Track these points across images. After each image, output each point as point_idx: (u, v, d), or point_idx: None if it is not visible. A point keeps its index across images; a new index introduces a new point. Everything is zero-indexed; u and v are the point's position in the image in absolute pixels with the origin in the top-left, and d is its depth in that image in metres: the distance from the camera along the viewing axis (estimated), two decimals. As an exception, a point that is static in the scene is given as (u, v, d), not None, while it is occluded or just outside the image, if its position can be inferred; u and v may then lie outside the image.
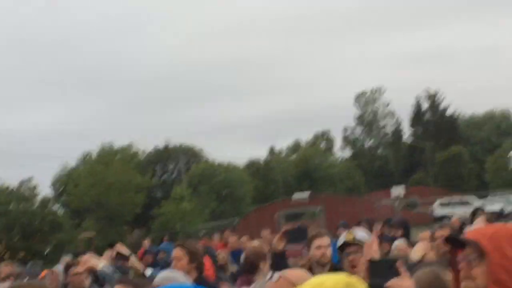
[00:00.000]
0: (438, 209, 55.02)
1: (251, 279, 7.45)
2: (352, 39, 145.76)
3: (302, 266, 7.64)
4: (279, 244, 6.29)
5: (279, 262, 6.09)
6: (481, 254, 3.10)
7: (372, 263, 4.10)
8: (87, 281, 8.37)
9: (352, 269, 5.99)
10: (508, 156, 16.23)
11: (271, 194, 74.31)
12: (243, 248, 13.63)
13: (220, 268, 10.70)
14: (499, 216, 41.82)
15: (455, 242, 3.34)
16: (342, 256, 6.28)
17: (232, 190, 68.94)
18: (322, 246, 6.59)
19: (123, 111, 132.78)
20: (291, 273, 4.06)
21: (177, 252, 7.09)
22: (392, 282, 3.99)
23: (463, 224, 17.81)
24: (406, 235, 12.84)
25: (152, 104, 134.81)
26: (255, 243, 8.57)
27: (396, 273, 4.04)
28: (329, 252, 6.60)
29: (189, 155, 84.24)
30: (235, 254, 12.88)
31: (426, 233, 10.61)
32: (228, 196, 68.71)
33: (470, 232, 3.42)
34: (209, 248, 12.47)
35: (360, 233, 6.37)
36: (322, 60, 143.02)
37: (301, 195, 59.79)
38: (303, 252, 6.28)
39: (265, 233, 16.95)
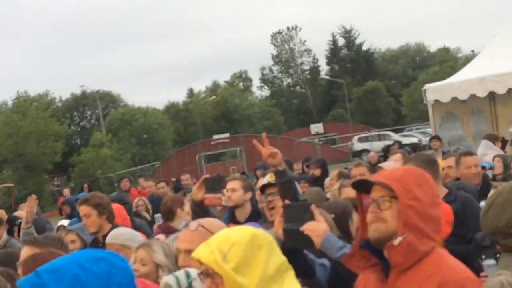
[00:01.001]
0: (357, 144, 55.81)
1: (169, 226, 7.42)
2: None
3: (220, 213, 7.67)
4: (198, 193, 6.24)
5: (199, 210, 6.05)
6: (391, 196, 3.13)
7: (286, 207, 4.09)
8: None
9: (270, 210, 5.97)
10: (422, 89, 16.54)
11: (191, 136, 74.12)
12: (161, 194, 13.60)
13: (137, 215, 10.60)
14: (416, 148, 42.62)
15: (363, 185, 3.34)
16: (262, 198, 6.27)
17: (152, 134, 68.49)
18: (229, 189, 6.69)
19: (37, 59, 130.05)
20: (209, 222, 4.03)
21: (83, 209, 6.98)
22: (307, 226, 4.01)
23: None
24: (325, 173, 13.05)
25: (67, 51, 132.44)
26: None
27: (312, 217, 4.05)
28: (235, 195, 6.66)
29: (107, 100, 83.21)
30: (153, 200, 12.81)
31: (335, 172, 10.64)
32: (148, 140, 68.27)
33: (378, 175, 3.43)
34: (124, 195, 12.30)
35: None
36: (237, 0, 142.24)
37: (221, 136, 59.86)
38: (222, 200, 6.25)
39: (185, 177, 16.96)
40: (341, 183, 7.40)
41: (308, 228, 4.00)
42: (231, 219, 6.65)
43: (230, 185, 6.75)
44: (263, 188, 6.16)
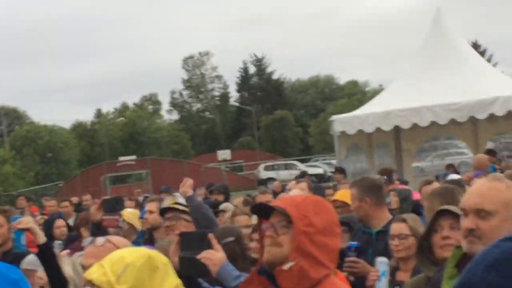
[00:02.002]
0: (263, 172, 56.08)
1: (77, 245, 7.29)
2: (179, 1, 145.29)
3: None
4: (96, 214, 6.17)
5: (97, 231, 5.98)
6: (288, 221, 3.12)
7: (182, 235, 4.05)
8: None
9: (169, 234, 5.96)
10: (329, 120, 16.77)
11: (97, 157, 73.21)
12: (63, 212, 13.38)
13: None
14: (321, 179, 43.16)
15: (263, 210, 3.32)
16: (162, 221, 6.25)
17: (58, 152, 67.38)
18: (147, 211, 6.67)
19: None
20: (117, 238, 3.98)
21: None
22: (204, 254, 3.97)
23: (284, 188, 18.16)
24: (227, 199, 13.13)
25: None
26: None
27: (209, 245, 4.02)
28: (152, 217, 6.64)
29: (12, 117, 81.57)
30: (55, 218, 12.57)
31: (239, 199, 10.72)
32: (53, 159, 67.11)
33: (278, 200, 3.46)
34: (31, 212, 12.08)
35: (181, 198, 6.35)
36: (150, 22, 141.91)
37: (127, 158, 59.31)
38: (120, 222, 6.19)
39: (86, 197, 16.70)
40: (233, 212, 7.40)
41: (205, 256, 3.98)
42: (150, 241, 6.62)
43: (148, 207, 6.75)
44: (163, 212, 6.14)
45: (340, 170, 16.19)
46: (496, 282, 1.88)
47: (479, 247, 3.29)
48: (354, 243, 5.58)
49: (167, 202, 6.27)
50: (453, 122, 16.53)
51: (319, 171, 51.00)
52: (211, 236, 4.02)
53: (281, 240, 3.12)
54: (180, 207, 6.17)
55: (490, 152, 16.12)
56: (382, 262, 5.03)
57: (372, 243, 5.94)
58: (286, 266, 3.05)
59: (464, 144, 22.25)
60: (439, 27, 18.17)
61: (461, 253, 3.47)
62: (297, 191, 8.50)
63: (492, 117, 16.40)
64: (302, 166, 53.48)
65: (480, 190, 3.44)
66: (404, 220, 5.20)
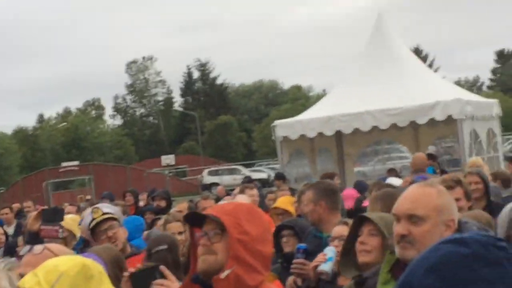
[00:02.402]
0: (207, 177, 55.96)
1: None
2: (122, 5, 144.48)
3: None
4: (33, 224, 6.06)
5: (33, 242, 5.86)
6: (221, 229, 3.13)
7: (133, 276, 3.87)
8: None
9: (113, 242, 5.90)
10: (272, 126, 16.76)
11: (39, 163, 72.27)
12: (3, 219, 13.19)
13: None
14: (265, 184, 43.20)
15: (196, 218, 3.33)
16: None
17: (-2, 158, 66.47)
18: None
19: None
20: (56, 246, 3.91)
21: None
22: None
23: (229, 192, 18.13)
24: (169, 205, 13.13)
25: None
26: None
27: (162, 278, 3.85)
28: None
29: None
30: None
31: (183, 204, 10.68)
32: (-7, 164, 66.17)
33: (211, 208, 3.47)
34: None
35: (105, 208, 6.27)
36: (93, 27, 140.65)
37: (70, 164, 58.67)
38: (59, 233, 6.08)
39: (28, 204, 16.47)
40: (165, 219, 7.35)
41: None
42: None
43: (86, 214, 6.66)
44: (94, 227, 6.05)
45: (279, 176, 16.21)
46: (435, 286, 1.88)
47: (411, 252, 3.34)
48: (303, 245, 5.61)
49: (91, 215, 6.13)
50: (394, 126, 16.71)
51: (263, 176, 51.07)
52: (162, 268, 3.90)
53: (215, 248, 3.13)
54: (111, 216, 6.09)
55: (430, 156, 16.32)
56: (331, 250, 5.06)
57: (323, 247, 5.96)
58: (223, 275, 3.05)
59: (405, 148, 22.46)
60: (380, 32, 18.34)
61: (395, 258, 3.51)
62: (245, 197, 8.52)
63: (432, 122, 16.60)
64: (246, 171, 53.53)
65: (412, 196, 3.48)
66: (346, 224, 5.24)
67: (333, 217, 6.11)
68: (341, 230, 5.22)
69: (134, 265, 5.86)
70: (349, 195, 10.15)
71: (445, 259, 1.91)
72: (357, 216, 4.57)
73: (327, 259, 5.00)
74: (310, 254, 5.53)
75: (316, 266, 5.05)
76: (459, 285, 1.87)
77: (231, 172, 55.49)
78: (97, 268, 2.85)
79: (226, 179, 50.69)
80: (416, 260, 2.00)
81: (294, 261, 5.45)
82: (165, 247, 5.03)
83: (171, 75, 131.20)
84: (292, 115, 20.03)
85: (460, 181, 6.34)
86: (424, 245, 3.23)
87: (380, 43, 18.01)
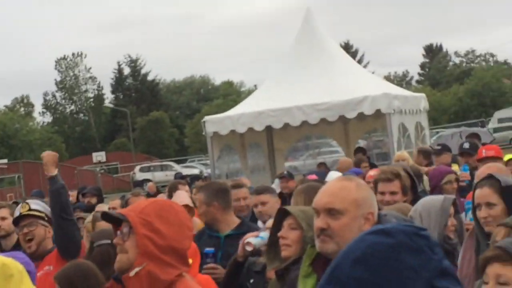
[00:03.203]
0: (138, 174, 55.64)
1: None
2: (51, 1, 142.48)
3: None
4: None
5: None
6: (132, 227, 3.15)
7: None
8: None
9: (28, 242, 5.86)
10: (202, 121, 16.72)
11: (-35, 161, 70.82)
12: None
13: None
14: (198, 179, 43.07)
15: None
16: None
17: None
18: None
19: None
20: None
21: None
22: None
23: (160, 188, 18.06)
24: (101, 202, 12.97)
25: None
26: None
27: None
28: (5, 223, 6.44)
29: None
30: None
31: (116, 201, 10.68)
32: None
33: (129, 207, 3.48)
34: None
35: (35, 204, 6.18)
36: (21, 23, 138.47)
37: (-2, 162, 57.71)
38: None
39: None
40: (94, 216, 7.28)
41: None
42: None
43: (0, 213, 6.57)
44: (17, 221, 5.97)
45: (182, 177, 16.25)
46: (363, 277, 1.93)
47: (330, 245, 3.36)
48: (211, 249, 5.68)
49: (19, 209, 6.08)
50: (323, 121, 16.80)
51: (195, 171, 50.96)
52: None
53: (126, 246, 3.14)
54: (36, 213, 6.01)
55: (360, 150, 16.51)
56: (266, 234, 5.07)
57: (221, 247, 6.00)
58: (132, 273, 3.08)
59: (336, 142, 22.65)
60: (309, 27, 18.40)
61: (315, 252, 3.52)
62: (184, 193, 8.54)
63: (361, 116, 16.76)
64: (178, 167, 53.34)
65: (330, 190, 3.51)
66: None
67: (228, 217, 6.19)
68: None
69: (49, 262, 5.80)
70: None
71: (372, 250, 1.96)
72: (279, 209, 4.59)
73: (258, 236, 5.05)
74: (217, 257, 5.64)
75: (245, 240, 5.12)
76: (387, 274, 1.93)
77: (163, 168, 55.28)
78: (16, 267, 2.81)
79: (158, 176, 50.50)
80: (342, 253, 2.03)
81: (205, 266, 5.53)
82: (108, 241, 4.96)
83: (102, 72, 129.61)
84: (224, 111, 20.02)
85: (399, 174, 6.36)
86: (343, 238, 3.26)
87: (308, 39, 18.08)
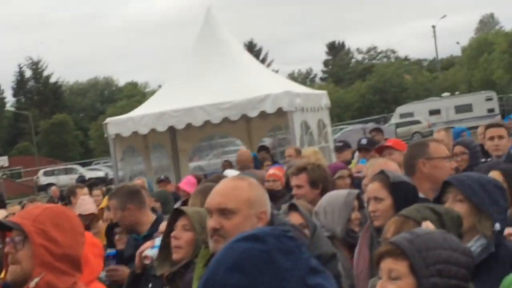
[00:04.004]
0: (42, 178, 54.67)
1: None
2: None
3: None
4: None
5: None
6: (26, 236, 3.05)
7: None
8: None
9: None
10: (103, 123, 16.54)
11: None
12: None
13: None
14: (103, 181, 42.61)
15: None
16: None
17: None
18: None
19: None
20: None
21: None
22: None
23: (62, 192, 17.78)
24: (3, 207, 12.80)
25: None
26: None
27: None
28: None
29: None
30: None
31: (16, 207, 10.55)
32: None
33: (18, 214, 3.38)
34: None
35: None
36: None
37: None
38: None
39: None
40: None
41: None
42: None
43: None
44: None
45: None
46: (240, 284, 1.93)
47: (224, 246, 3.33)
48: (113, 251, 5.63)
49: None
50: (226, 120, 16.82)
51: (100, 174, 50.40)
52: None
53: (19, 256, 3.05)
54: None
55: (263, 148, 16.57)
56: (158, 239, 5.04)
57: None
58: (31, 284, 2.99)
59: (240, 141, 22.71)
60: (210, 27, 18.37)
61: (210, 253, 3.50)
62: (87, 199, 8.44)
63: (263, 115, 16.83)
64: (83, 170, 52.65)
65: (223, 190, 3.49)
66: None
67: (144, 217, 6.15)
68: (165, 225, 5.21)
69: None
70: (190, 183, 10.12)
71: (245, 257, 1.97)
72: (173, 210, 4.57)
73: (154, 246, 4.98)
74: (121, 257, 5.59)
75: (142, 252, 5.06)
76: (263, 278, 1.94)
77: (68, 171, 54.45)
78: None
79: (63, 179, 49.71)
80: (214, 262, 2.03)
81: (106, 269, 5.46)
82: None
83: (2, 75, 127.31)
84: (129, 112, 19.79)
85: (305, 168, 6.44)
86: None
87: (209, 38, 18.06)
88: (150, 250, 4.99)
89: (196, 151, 23.26)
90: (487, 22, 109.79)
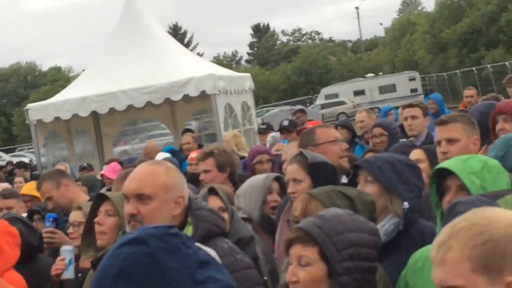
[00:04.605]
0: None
1: None
2: None
3: None
4: None
5: None
6: None
7: None
8: None
9: None
10: (25, 109, 16.48)
11: None
12: None
13: None
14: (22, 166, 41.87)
15: None
16: None
17: None
18: None
19: None
20: None
21: None
22: None
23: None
24: None
25: None
26: None
27: None
28: None
29: None
30: None
31: None
32: None
33: None
34: None
35: None
36: None
37: None
38: None
39: None
40: None
41: None
42: None
43: None
44: None
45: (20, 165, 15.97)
46: None
47: None
48: (54, 214, 5.58)
49: None
50: (150, 104, 16.69)
51: (25, 160, 49.53)
52: None
53: None
54: None
55: (187, 131, 16.53)
56: (67, 250, 4.96)
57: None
58: None
59: (165, 125, 22.59)
60: (132, 10, 18.17)
61: None
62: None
63: (187, 98, 16.77)
64: (7, 157, 51.59)
65: (139, 175, 3.49)
66: (80, 208, 5.16)
67: (79, 195, 6.22)
68: (75, 215, 5.16)
69: None
70: (115, 169, 10.06)
71: (130, 262, 1.95)
72: (96, 195, 4.54)
73: (67, 264, 4.91)
74: (59, 223, 5.56)
75: (58, 275, 4.92)
76: (150, 282, 1.93)
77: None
78: None
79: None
80: (99, 271, 2.00)
81: (43, 230, 5.43)
82: None
83: None
84: (52, 97, 19.45)
85: (212, 152, 6.45)
86: (154, 223, 3.23)
87: (131, 22, 17.88)
88: (66, 272, 4.88)
89: (121, 136, 23.08)
90: (410, 3, 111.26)
